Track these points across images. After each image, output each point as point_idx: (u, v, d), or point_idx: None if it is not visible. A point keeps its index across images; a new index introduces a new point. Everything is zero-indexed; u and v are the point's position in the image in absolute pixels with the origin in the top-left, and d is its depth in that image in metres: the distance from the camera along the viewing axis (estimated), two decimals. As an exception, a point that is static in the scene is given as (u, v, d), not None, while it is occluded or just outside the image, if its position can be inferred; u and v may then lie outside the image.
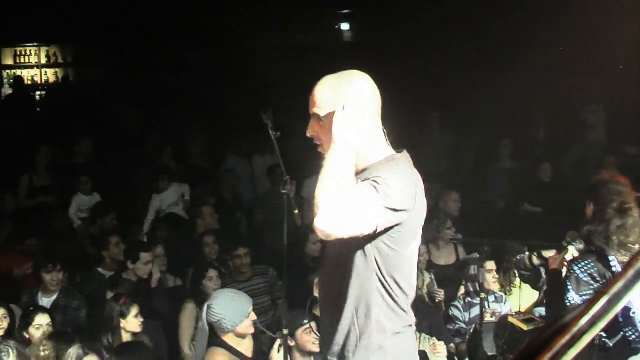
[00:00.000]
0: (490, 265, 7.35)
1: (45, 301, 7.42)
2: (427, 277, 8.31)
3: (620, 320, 4.71)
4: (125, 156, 11.31)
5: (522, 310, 7.08)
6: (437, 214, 9.22)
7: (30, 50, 18.08)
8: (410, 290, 3.30)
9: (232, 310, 5.81)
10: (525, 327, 6.13)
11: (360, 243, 3.08)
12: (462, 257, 8.57)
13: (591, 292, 4.80)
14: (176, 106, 13.52)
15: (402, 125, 11.76)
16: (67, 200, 10.08)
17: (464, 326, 7.34)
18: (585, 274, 4.87)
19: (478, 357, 6.57)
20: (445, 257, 8.77)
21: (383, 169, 3.11)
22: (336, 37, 17.95)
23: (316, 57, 13.67)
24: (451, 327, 7.38)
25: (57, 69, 18.29)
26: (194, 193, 10.58)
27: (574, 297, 4.87)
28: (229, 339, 5.85)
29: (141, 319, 6.45)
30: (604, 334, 4.76)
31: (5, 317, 6.37)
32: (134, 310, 6.41)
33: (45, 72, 18.23)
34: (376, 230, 3.00)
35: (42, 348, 5.83)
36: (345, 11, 17.87)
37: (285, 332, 4.98)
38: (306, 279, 7.06)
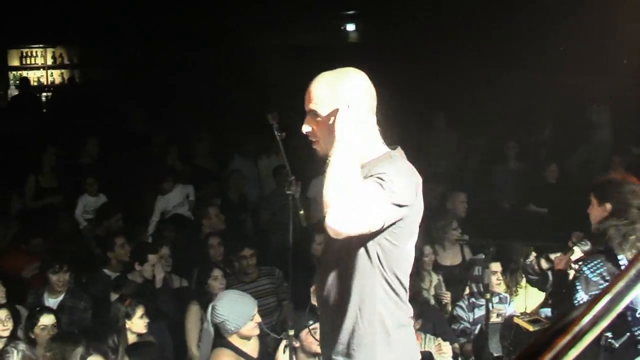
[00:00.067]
0: (495, 266, 7.34)
1: (52, 302, 7.43)
2: (435, 278, 8.30)
3: (629, 319, 4.70)
4: (131, 157, 11.31)
5: (528, 311, 7.07)
6: (444, 214, 9.22)
7: (36, 52, 18.13)
8: (407, 285, 3.33)
9: (236, 313, 5.81)
10: (531, 328, 6.11)
11: (362, 240, 3.10)
12: (467, 258, 8.57)
13: (601, 292, 4.78)
14: (181, 107, 13.54)
15: (408, 126, 11.81)
16: (73, 201, 10.08)
17: (469, 326, 7.34)
18: (595, 274, 4.86)
19: (484, 358, 6.56)
20: (451, 257, 8.77)
21: (384, 165, 3.12)
22: (339, 37, 17.95)
23: (318, 57, 13.67)
24: (456, 327, 7.38)
25: (63, 70, 18.34)
26: (199, 194, 10.58)
27: (583, 297, 4.86)
28: (234, 339, 5.86)
29: (146, 320, 6.45)
30: (609, 335, 4.75)
31: (8, 318, 6.38)
32: (139, 311, 6.41)
33: (51, 73, 18.29)
34: (383, 226, 3.03)
35: (47, 348, 5.84)
36: (349, 12, 17.88)
37: (291, 333, 4.98)
38: (311, 279, 7.05)
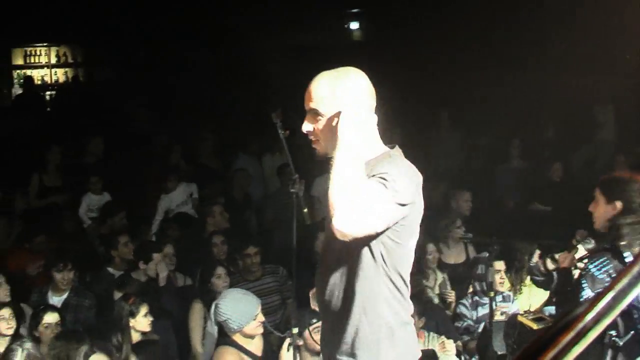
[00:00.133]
0: (499, 265, 7.34)
1: (56, 300, 7.44)
2: (440, 277, 8.30)
3: (635, 317, 4.70)
4: (135, 156, 11.32)
5: (532, 309, 7.06)
6: (448, 213, 9.23)
7: (40, 50, 18.12)
8: (409, 283, 3.35)
9: (239, 312, 5.82)
10: (534, 326, 6.10)
11: (365, 240, 3.10)
12: (472, 256, 8.57)
13: (607, 289, 4.77)
14: (185, 106, 13.55)
15: (412, 125, 11.81)
16: (77, 200, 10.09)
17: (472, 324, 7.34)
18: (601, 272, 4.85)
19: (487, 356, 6.56)
20: (455, 256, 8.77)
21: (384, 165, 3.14)
22: (341, 36, 17.94)
23: (320, 56, 13.68)
24: (459, 325, 7.38)
25: (67, 69, 18.33)
26: (204, 192, 10.59)
27: (589, 295, 4.85)
28: (238, 337, 5.87)
29: (150, 318, 6.46)
30: (614, 333, 4.75)
31: (12, 317, 6.38)
32: (144, 310, 6.42)
33: (55, 72, 18.28)
34: (388, 226, 3.05)
35: (51, 347, 5.85)
36: (353, 10, 17.87)
37: (295, 331, 4.98)
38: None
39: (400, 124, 11.32)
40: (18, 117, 14.56)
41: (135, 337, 6.41)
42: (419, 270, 7.87)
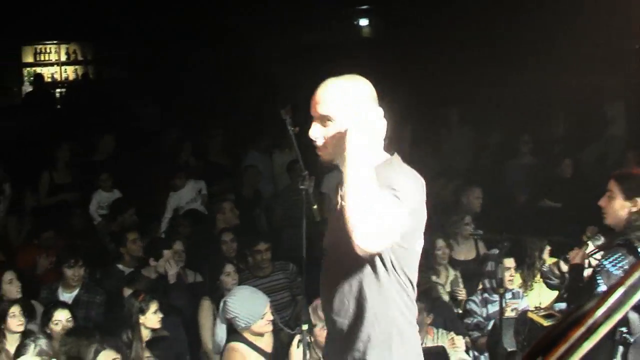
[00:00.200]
0: (509, 262, 7.31)
1: (67, 296, 7.47)
2: (452, 274, 8.28)
3: None
4: (145, 153, 11.33)
5: (542, 305, 7.05)
6: (458, 209, 9.22)
7: (50, 48, 18.17)
8: (416, 285, 3.39)
9: (246, 310, 5.83)
10: (545, 323, 6.09)
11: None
12: (482, 253, 8.55)
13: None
14: (194, 103, 13.57)
15: (422, 121, 11.79)
16: (88, 197, 10.11)
17: (482, 320, 7.33)
18: (616, 267, 4.83)
19: (498, 353, 6.55)
20: (465, 252, 8.76)
21: (390, 172, 3.15)
22: (352, 33, 17.92)
23: (331, 53, 13.68)
24: (469, 321, 7.36)
25: (76, 67, 18.37)
26: (213, 189, 10.59)
27: (605, 292, 4.82)
28: (248, 334, 5.88)
29: (160, 315, 6.46)
30: (624, 330, 4.73)
31: (22, 314, 6.40)
32: (153, 307, 6.42)
33: (65, 69, 18.32)
34: (402, 235, 3.07)
35: (62, 343, 5.87)
36: (363, 7, 17.85)
37: (305, 327, 4.98)
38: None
39: (410, 122, 11.31)
40: (28, 115, 14.59)
41: (145, 334, 6.42)
42: (429, 266, 7.87)
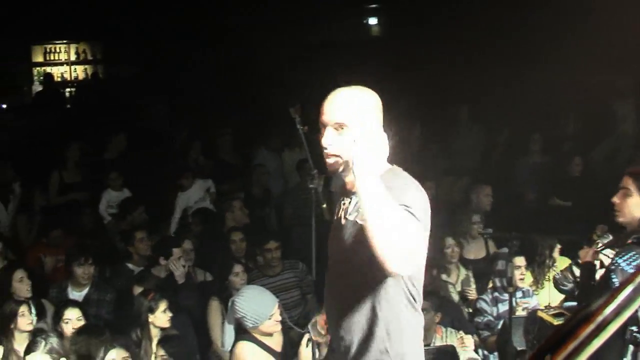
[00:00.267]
0: (519, 261, 7.28)
1: (76, 295, 7.48)
2: (463, 273, 8.27)
3: None
4: (154, 152, 11.34)
5: (552, 304, 7.04)
6: (468, 207, 9.20)
7: (59, 48, 18.21)
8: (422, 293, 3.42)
9: (253, 310, 5.82)
10: (555, 322, 6.07)
11: None
12: (492, 252, 8.53)
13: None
14: (203, 103, 13.58)
15: (432, 119, 11.76)
16: (97, 196, 10.12)
17: (492, 319, 7.31)
18: (631, 266, 4.80)
19: (507, 352, 6.53)
20: (475, 251, 8.74)
21: (398, 183, 3.16)
22: (361, 32, 17.92)
23: (341, 52, 13.68)
24: (479, 320, 7.35)
25: (86, 66, 18.42)
26: (223, 188, 10.59)
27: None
28: (257, 333, 5.87)
29: (170, 314, 6.47)
30: (635, 329, 4.71)
31: (30, 313, 6.41)
32: (163, 305, 6.43)
33: (75, 69, 18.37)
34: None
35: (72, 341, 5.88)
36: (372, 5, 17.84)
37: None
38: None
39: (420, 120, 11.29)
40: (38, 114, 14.63)
41: (155, 332, 6.42)
42: (439, 265, 7.85)
